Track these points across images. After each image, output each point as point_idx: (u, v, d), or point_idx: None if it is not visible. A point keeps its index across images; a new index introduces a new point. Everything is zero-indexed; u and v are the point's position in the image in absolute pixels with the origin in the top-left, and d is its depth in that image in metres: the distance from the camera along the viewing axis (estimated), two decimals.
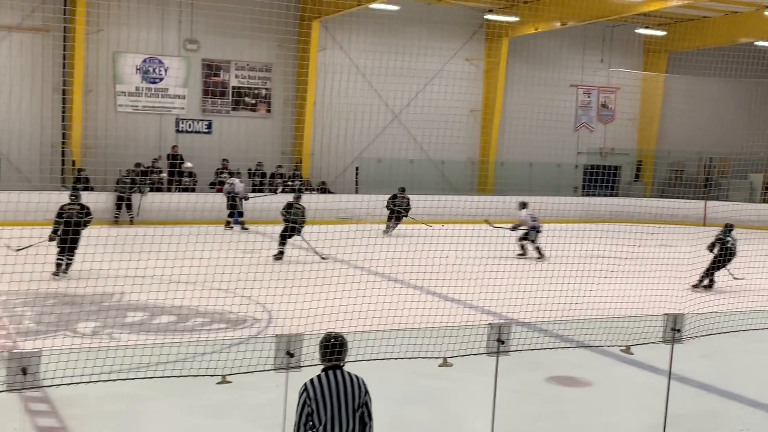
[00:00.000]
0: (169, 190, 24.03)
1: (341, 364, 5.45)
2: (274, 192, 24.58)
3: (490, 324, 8.68)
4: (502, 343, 8.81)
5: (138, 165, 24.16)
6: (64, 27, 23.79)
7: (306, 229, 17.85)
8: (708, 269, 15.93)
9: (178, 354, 9.21)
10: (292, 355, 8.38)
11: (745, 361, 11.22)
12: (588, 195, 29.98)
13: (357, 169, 28.20)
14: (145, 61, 25.42)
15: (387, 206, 22.83)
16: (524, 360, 9.96)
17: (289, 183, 24.88)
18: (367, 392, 5.37)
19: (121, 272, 12.03)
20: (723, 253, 15.82)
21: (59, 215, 14.66)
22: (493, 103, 30.18)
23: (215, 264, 12.17)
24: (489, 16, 29.06)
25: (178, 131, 26.14)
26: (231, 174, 24.37)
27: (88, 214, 15.04)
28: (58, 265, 14.44)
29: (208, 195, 23.86)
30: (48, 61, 24.14)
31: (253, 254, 16.99)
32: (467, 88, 29.99)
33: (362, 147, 28.38)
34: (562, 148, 30.99)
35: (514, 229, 19.75)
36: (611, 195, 29.91)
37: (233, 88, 26.87)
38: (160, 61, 25.64)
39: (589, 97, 32.91)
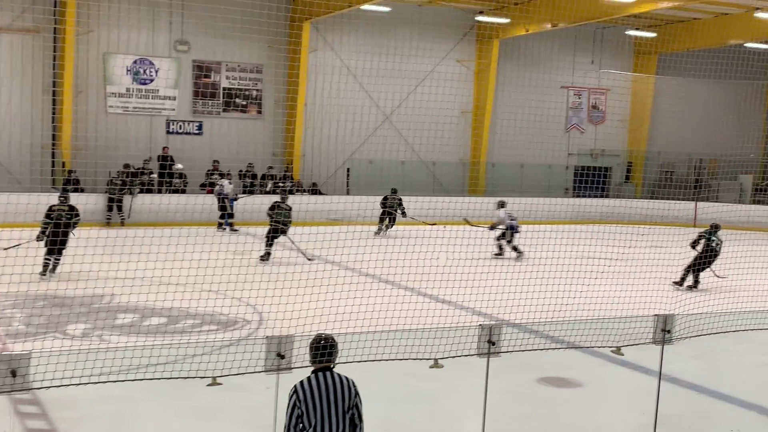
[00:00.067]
0: (159, 191, 23.98)
1: (331, 366, 5.45)
2: (267, 193, 24.57)
3: (480, 325, 8.66)
4: (493, 344, 8.79)
5: (127, 166, 24.08)
6: (55, 28, 23.71)
7: (297, 230, 17.81)
8: (690, 267, 16.04)
9: (169, 356, 9.17)
10: (282, 357, 8.35)
11: (734, 362, 11.27)
12: (579, 196, 30.08)
13: (348, 170, 28.21)
14: (135, 62, 25.36)
15: (381, 205, 22.93)
16: (515, 361, 9.95)
17: (280, 184, 24.84)
18: (357, 394, 5.36)
19: (111, 274, 11.98)
20: (707, 253, 15.92)
21: (48, 216, 14.70)
22: (484, 105, 30.21)
23: (206, 266, 12.14)
24: (480, 18, 29.10)
25: (168, 132, 26.07)
26: (221, 175, 24.34)
27: (77, 215, 15.04)
28: (45, 265, 14.46)
29: (198, 196, 23.79)
30: (38, 62, 24.05)
31: (243, 256, 16.95)
32: (458, 89, 30.01)
33: (353, 148, 28.37)
34: (553, 150, 31.00)
35: (492, 228, 19.71)
36: (602, 196, 29.97)
37: (224, 89, 26.82)
38: (151, 62, 25.58)
39: (579, 98, 32.98)
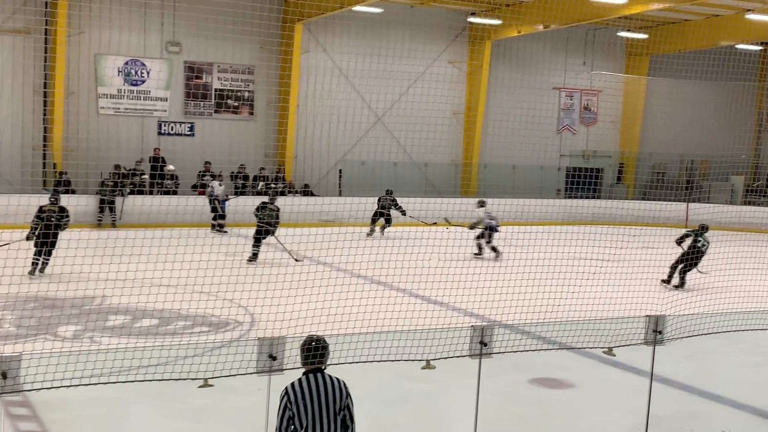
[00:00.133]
0: (151, 192, 23.91)
1: (323, 368, 5.44)
2: (258, 194, 24.52)
3: (472, 326, 8.65)
4: (485, 345, 8.78)
5: (117, 167, 24.02)
6: (46, 29, 23.65)
7: (289, 231, 17.78)
8: (675, 264, 16.07)
9: (160, 357, 9.13)
10: (274, 358, 8.32)
11: (726, 363, 11.30)
12: (570, 197, 30.11)
13: (340, 171, 28.17)
14: (127, 63, 25.30)
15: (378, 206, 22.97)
16: (507, 362, 9.93)
17: (272, 186, 24.81)
18: (348, 395, 5.35)
19: (102, 275, 11.96)
20: (693, 254, 15.94)
21: (38, 216, 14.75)
22: (476, 106, 30.23)
23: (198, 267, 12.11)
24: (472, 19, 29.11)
25: (160, 134, 26.02)
26: (213, 177, 24.29)
27: (67, 216, 15.07)
28: (34, 265, 14.48)
29: (190, 198, 23.72)
30: (29, 63, 23.97)
31: (235, 257, 16.93)
32: (450, 90, 30.03)
33: (345, 149, 28.35)
34: (545, 151, 31.01)
35: (472, 228, 19.66)
36: (594, 197, 30.01)
37: (216, 90, 26.78)
38: (142, 64, 25.52)
39: (571, 99, 33.04)
